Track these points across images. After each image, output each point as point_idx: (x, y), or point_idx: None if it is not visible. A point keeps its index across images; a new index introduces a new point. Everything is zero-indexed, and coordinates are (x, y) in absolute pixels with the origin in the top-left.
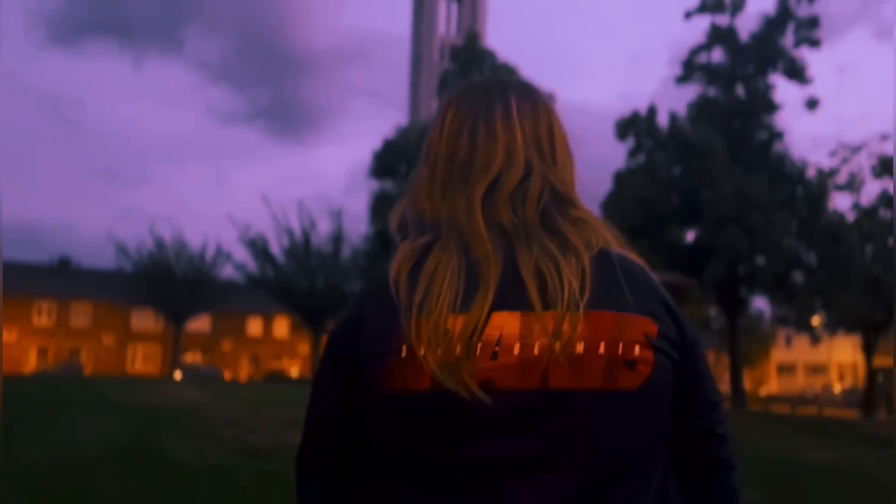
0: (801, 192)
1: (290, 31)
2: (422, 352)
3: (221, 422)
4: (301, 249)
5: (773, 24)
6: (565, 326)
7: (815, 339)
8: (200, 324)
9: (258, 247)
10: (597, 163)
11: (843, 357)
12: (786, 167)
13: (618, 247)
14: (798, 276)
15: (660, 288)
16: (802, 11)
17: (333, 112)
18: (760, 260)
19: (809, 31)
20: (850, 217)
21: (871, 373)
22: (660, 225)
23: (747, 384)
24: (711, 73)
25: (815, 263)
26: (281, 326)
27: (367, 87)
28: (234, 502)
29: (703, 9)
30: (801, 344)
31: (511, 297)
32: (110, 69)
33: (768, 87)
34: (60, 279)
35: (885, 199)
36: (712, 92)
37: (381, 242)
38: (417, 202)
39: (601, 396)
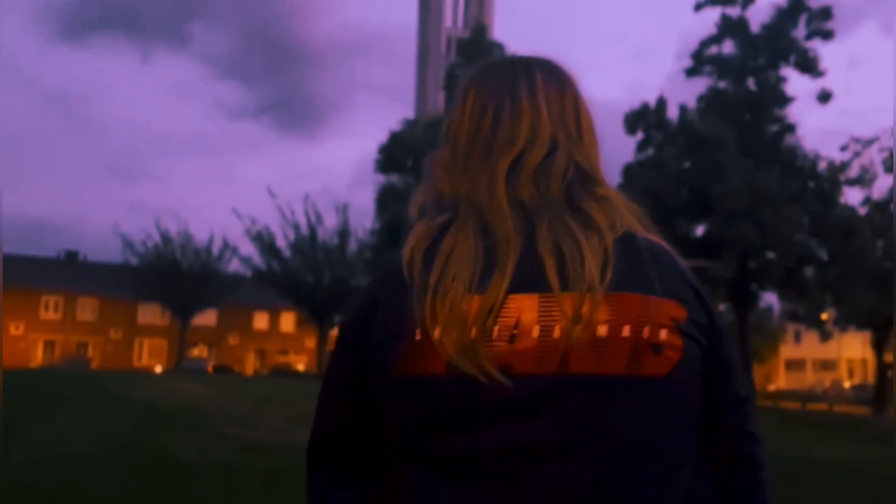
0: (813, 185)
1: (296, 26)
2: (437, 334)
3: (224, 418)
4: (307, 244)
5: (785, 16)
6: (586, 308)
7: (826, 335)
8: (207, 318)
9: (264, 241)
10: (605, 156)
11: (852, 353)
12: (797, 160)
13: (643, 230)
14: (809, 271)
15: (688, 272)
16: (815, 2)
17: (339, 106)
18: (771, 254)
19: (822, 22)
20: (862, 212)
21: (882, 369)
22: (669, 219)
23: (756, 380)
24: (722, 66)
25: (826, 258)
26: (287, 321)
27: (374, 81)
28: (234, 501)
29: (713, 0)
30: (810, 340)
31: (530, 277)
32: (118, 64)
33: (780, 80)
34: (67, 273)
35: None
36: (723, 85)
37: (387, 236)
38: (437, 182)
39: (625, 382)
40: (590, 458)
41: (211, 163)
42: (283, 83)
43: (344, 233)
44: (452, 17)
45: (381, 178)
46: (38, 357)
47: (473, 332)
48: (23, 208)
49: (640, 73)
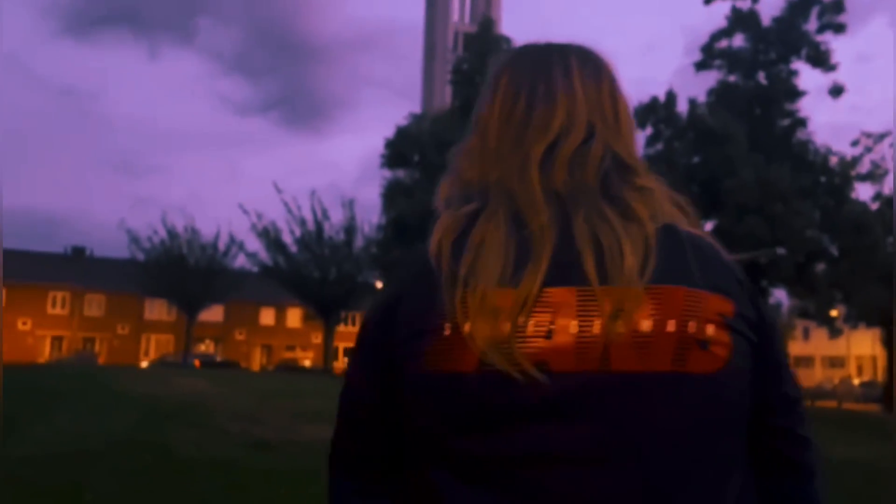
0: (824, 180)
1: (302, 21)
2: (467, 329)
3: (228, 414)
4: (313, 239)
5: (797, 9)
6: (628, 302)
7: (836, 332)
8: (213, 314)
9: (270, 237)
10: None
11: (861, 350)
12: (808, 155)
13: (686, 223)
14: (819, 267)
15: (734, 265)
16: None
17: (346, 102)
18: (781, 250)
19: (834, 15)
20: (873, 207)
21: (892, 366)
22: None
23: None
24: (732, 59)
25: (837, 254)
26: (294, 316)
27: (380, 76)
28: (236, 500)
29: None
30: (819, 336)
31: (566, 269)
32: (125, 60)
33: (791, 73)
34: (75, 269)
35: None
36: (733, 78)
37: (393, 231)
38: (464, 172)
39: (671, 380)
40: (634, 462)
41: (217, 159)
42: (289, 79)
43: (350, 228)
44: (459, 12)
45: (387, 174)
46: (45, 353)
47: (507, 326)
48: (31, 204)
49: (648, 68)
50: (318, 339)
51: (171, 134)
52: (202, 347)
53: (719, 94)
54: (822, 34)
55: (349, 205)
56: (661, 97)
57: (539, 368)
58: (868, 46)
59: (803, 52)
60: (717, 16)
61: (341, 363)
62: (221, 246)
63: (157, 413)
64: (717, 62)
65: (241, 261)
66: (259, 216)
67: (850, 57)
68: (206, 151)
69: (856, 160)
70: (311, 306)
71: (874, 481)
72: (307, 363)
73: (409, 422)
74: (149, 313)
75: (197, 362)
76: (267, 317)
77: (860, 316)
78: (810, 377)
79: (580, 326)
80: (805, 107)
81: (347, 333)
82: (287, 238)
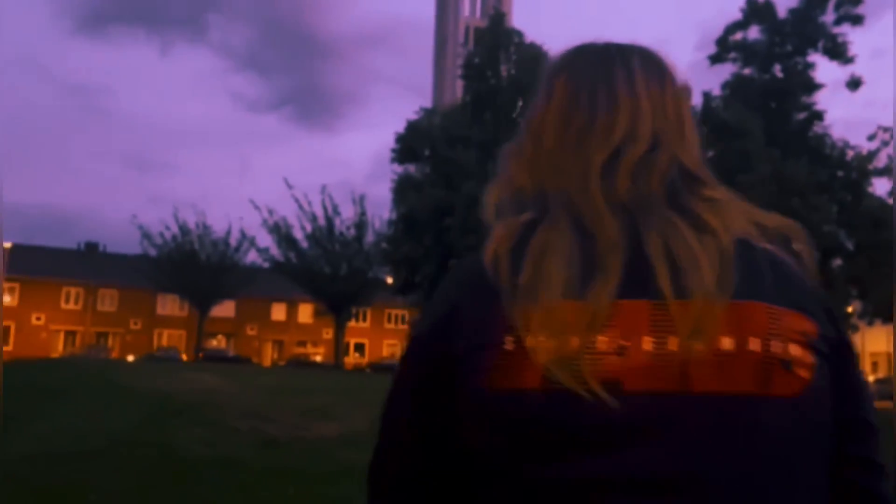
0: (842, 175)
1: (313, 18)
2: (531, 344)
3: (236, 411)
4: (324, 235)
5: (814, 0)
6: (707, 318)
7: (852, 329)
8: (225, 309)
9: (281, 232)
10: None
11: (876, 347)
12: (825, 149)
13: (761, 237)
14: (836, 263)
15: (813, 283)
16: None
17: (357, 98)
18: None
19: (851, 7)
20: (890, 202)
21: None
22: None
23: None
24: (748, 52)
25: (854, 250)
26: (305, 312)
27: (392, 72)
28: (241, 500)
29: None
30: None
31: (637, 282)
32: (137, 57)
33: (807, 66)
34: (88, 264)
35: None
36: (748, 72)
37: (404, 226)
38: (516, 178)
39: (755, 403)
40: (716, 490)
41: (229, 155)
42: (300, 75)
43: (361, 224)
44: (470, 6)
45: (398, 169)
46: (59, 347)
47: (575, 342)
48: (45, 200)
49: None
50: (328, 334)
51: (184, 130)
52: (214, 343)
53: (734, 87)
54: (840, 26)
55: (360, 200)
56: None
57: (611, 388)
58: (883, 41)
59: (820, 44)
60: (730, 10)
61: (352, 358)
62: (233, 242)
63: (164, 410)
64: (732, 55)
65: (252, 256)
66: (270, 212)
67: (865, 51)
68: (218, 148)
69: (872, 154)
70: (321, 302)
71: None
72: (318, 358)
73: (463, 444)
74: (161, 309)
75: (184, 356)
76: (278, 312)
77: (876, 312)
78: None
79: (655, 343)
80: (821, 100)
81: (358, 329)
82: (298, 234)
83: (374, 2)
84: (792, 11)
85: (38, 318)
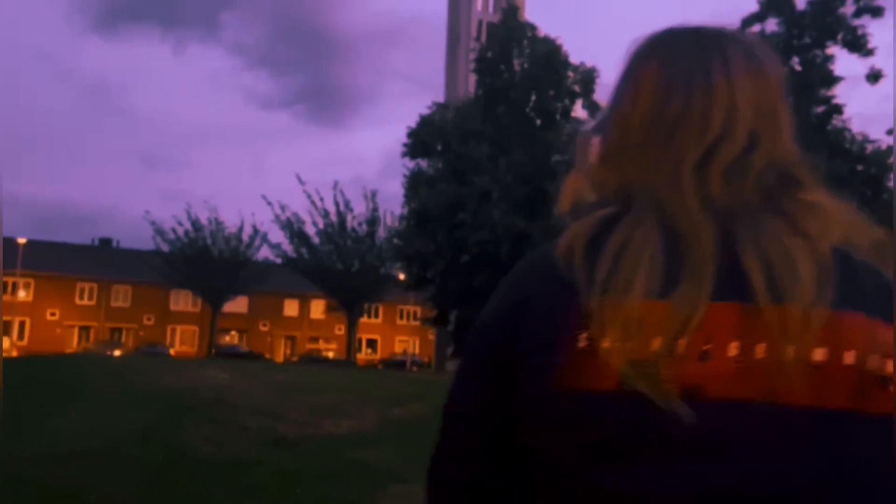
0: (861, 169)
1: (326, 15)
2: (607, 343)
3: (247, 408)
4: (336, 231)
5: None
6: (801, 326)
7: None
8: (238, 305)
9: (293, 228)
10: None
11: None
12: (844, 143)
13: (861, 243)
14: None
15: None
16: None
17: (370, 95)
18: None
19: None
20: None
21: None
22: None
23: None
24: None
25: None
26: (317, 308)
27: (404, 69)
28: (247, 501)
29: None
30: None
31: (727, 284)
32: (151, 55)
33: (826, 59)
34: (102, 260)
35: None
36: None
37: (416, 222)
38: (597, 172)
39: (849, 419)
40: None
41: (242, 152)
42: (313, 72)
43: (373, 220)
44: (483, 1)
45: (410, 165)
46: (73, 343)
47: (655, 343)
48: (58, 196)
49: None
50: (341, 330)
51: (196, 128)
52: (227, 339)
53: None
54: (859, 18)
55: (372, 196)
56: None
57: (690, 395)
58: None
59: (840, 36)
60: (747, 1)
61: (364, 355)
62: (245, 237)
63: (174, 408)
64: None
65: (264, 252)
66: (282, 207)
67: (882, 45)
68: (231, 145)
69: (891, 149)
70: (334, 298)
71: None
72: (330, 354)
73: (529, 447)
74: (174, 304)
75: (172, 351)
76: (290, 308)
77: None
78: None
79: (741, 349)
80: (839, 94)
81: (370, 325)
82: (310, 230)
83: None
84: (811, 3)
85: (53, 314)
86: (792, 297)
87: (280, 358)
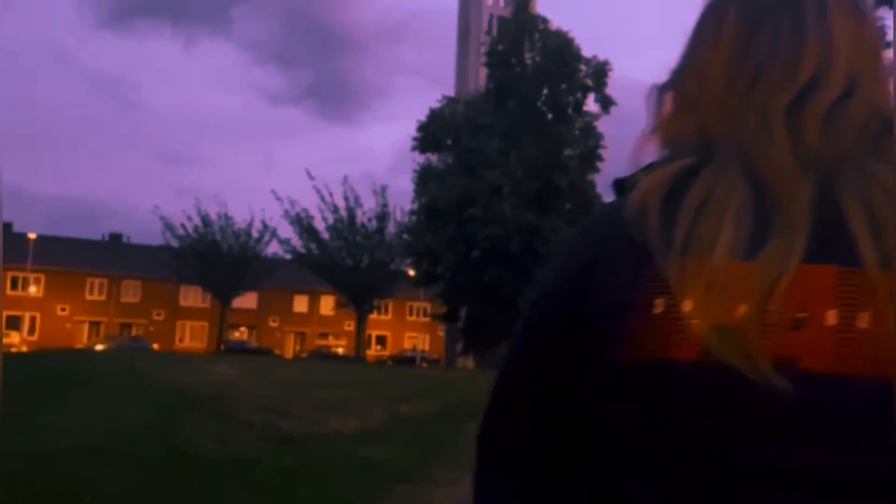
0: None
1: (336, 10)
2: (688, 308)
3: (251, 404)
4: (346, 226)
5: None
6: None
7: None
8: (247, 301)
9: (303, 223)
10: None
11: None
12: None
13: None
14: None
15: None
16: None
17: (380, 91)
18: None
19: None
20: None
21: None
22: None
23: None
24: None
25: None
26: (327, 304)
27: (414, 64)
28: (249, 500)
29: None
30: None
31: (825, 244)
32: (162, 50)
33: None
34: (112, 256)
35: None
36: None
37: (426, 217)
38: (673, 124)
39: None
40: None
41: (252, 147)
42: (323, 68)
43: (382, 215)
44: None
45: (420, 160)
46: (83, 338)
47: (742, 309)
48: (69, 191)
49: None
50: (350, 326)
51: (207, 123)
52: (236, 335)
53: None
54: (876, 10)
55: (381, 191)
56: None
57: (782, 366)
58: None
59: None
60: None
61: (374, 351)
62: (255, 233)
63: (177, 403)
64: None
65: (274, 248)
66: (292, 202)
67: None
68: (241, 140)
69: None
70: (343, 293)
71: None
72: (340, 351)
73: (593, 419)
74: (184, 300)
75: (155, 346)
76: (300, 304)
77: None
78: None
79: (841, 317)
80: None
81: (380, 321)
82: (319, 225)
83: None
84: None
85: (63, 309)
86: None
87: (289, 354)
